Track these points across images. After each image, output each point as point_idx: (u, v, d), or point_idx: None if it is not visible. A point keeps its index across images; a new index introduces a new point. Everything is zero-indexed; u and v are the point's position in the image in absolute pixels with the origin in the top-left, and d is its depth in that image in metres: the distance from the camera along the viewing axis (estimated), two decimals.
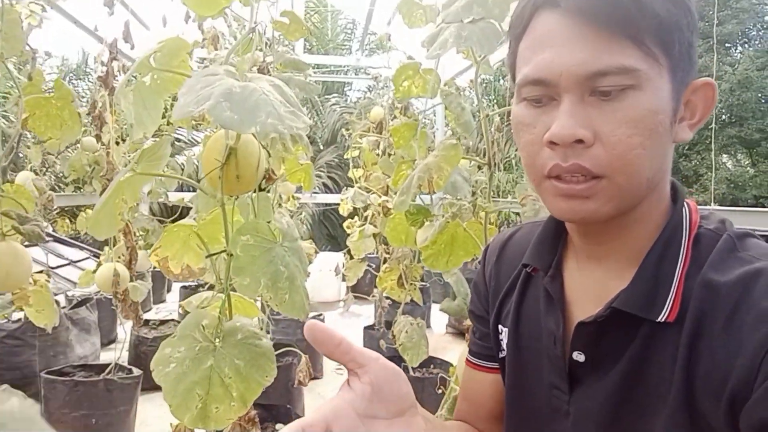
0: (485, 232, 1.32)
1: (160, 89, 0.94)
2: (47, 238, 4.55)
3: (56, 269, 4.22)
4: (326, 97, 10.57)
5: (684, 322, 0.54)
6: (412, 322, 2.14)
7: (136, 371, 2.51)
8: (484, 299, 0.80)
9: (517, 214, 1.22)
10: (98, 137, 2.14)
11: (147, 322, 3.59)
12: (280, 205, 2.29)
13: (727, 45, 14.13)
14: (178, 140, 8.31)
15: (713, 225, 0.60)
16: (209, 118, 0.76)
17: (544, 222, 0.72)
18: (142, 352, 3.22)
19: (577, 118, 0.54)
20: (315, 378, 2.85)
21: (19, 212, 1.22)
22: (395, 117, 3.29)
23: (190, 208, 2.10)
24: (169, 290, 5.73)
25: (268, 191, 1.28)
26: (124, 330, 2.81)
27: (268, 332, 2.25)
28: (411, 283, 2.44)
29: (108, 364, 2.52)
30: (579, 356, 0.61)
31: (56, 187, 5.94)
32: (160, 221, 3.16)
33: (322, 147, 9.96)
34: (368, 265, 3.44)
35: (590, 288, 0.65)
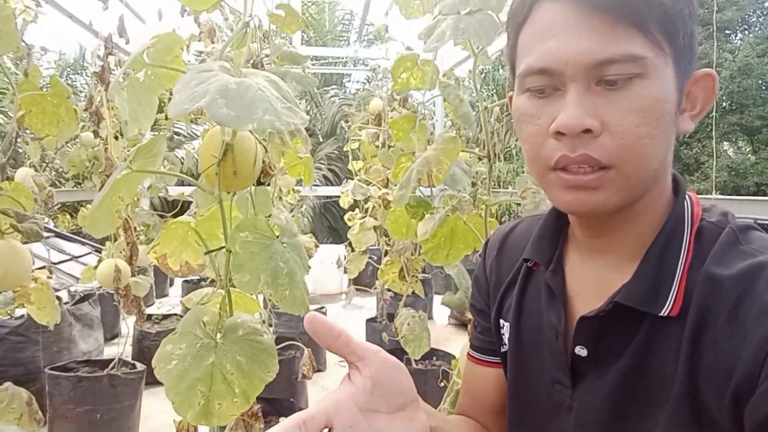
0: (485, 225, 1.32)
1: (154, 85, 0.93)
2: (49, 234, 4.55)
3: (58, 265, 4.23)
4: (325, 88, 10.54)
5: (687, 316, 0.54)
6: (414, 314, 2.14)
7: (140, 366, 2.52)
8: (485, 293, 0.80)
9: (518, 204, 1.21)
10: (96, 133, 2.13)
11: (150, 316, 3.61)
12: (280, 198, 2.29)
13: (727, 32, 14.05)
14: (178, 134, 8.30)
15: (715, 218, 0.59)
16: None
17: (545, 215, 0.72)
18: (145, 347, 3.23)
19: (585, 107, 0.53)
20: (318, 371, 2.85)
21: (17, 210, 1.21)
22: (394, 109, 3.27)
23: (191, 202, 2.10)
24: (171, 284, 5.74)
25: (268, 184, 1.27)
26: (127, 325, 2.82)
27: (270, 326, 2.26)
28: (412, 276, 2.44)
29: (112, 360, 2.52)
30: (581, 351, 0.61)
31: (56, 183, 5.94)
32: (160, 216, 3.16)
33: (321, 139, 9.93)
34: (370, 258, 3.44)
35: (592, 282, 0.64)
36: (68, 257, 4.48)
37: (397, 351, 2.74)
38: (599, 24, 0.52)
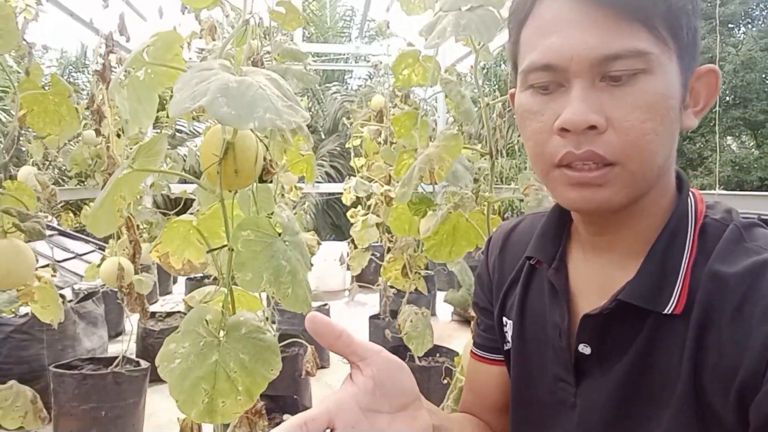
0: (488, 222, 1.31)
1: (154, 83, 0.93)
2: (52, 232, 4.56)
3: (62, 263, 4.24)
4: (327, 85, 10.53)
5: (691, 314, 0.54)
6: (417, 311, 2.14)
7: (144, 363, 2.52)
8: (488, 291, 0.79)
9: (521, 200, 1.21)
10: (98, 131, 2.14)
11: (153, 314, 3.62)
12: (282, 195, 2.29)
13: (730, 25, 13.97)
14: (180, 131, 8.30)
15: (719, 215, 0.59)
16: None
17: (548, 213, 0.71)
18: (149, 344, 3.24)
19: (589, 103, 0.52)
20: (322, 367, 2.86)
21: (19, 209, 1.22)
22: (396, 105, 3.27)
23: (194, 199, 2.10)
24: (175, 282, 5.75)
25: (270, 181, 1.27)
26: (131, 323, 2.82)
27: (273, 323, 2.26)
28: (415, 273, 2.44)
29: (116, 357, 2.53)
30: (585, 349, 0.61)
31: (59, 181, 5.95)
32: (163, 213, 3.16)
33: (323, 136, 9.93)
34: (372, 254, 3.44)
35: (595, 279, 0.64)
36: (72, 255, 4.49)
37: (400, 348, 2.75)
38: (603, 19, 0.52)
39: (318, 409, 0.46)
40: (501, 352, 0.77)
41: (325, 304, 3.70)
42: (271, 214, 0.96)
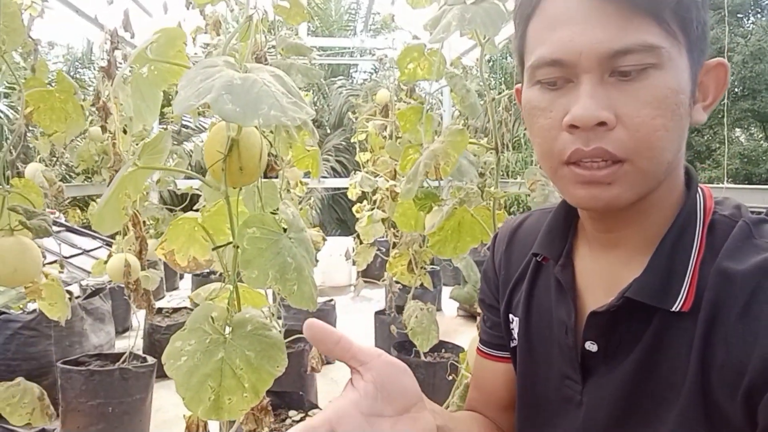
0: (493, 218, 1.31)
1: (158, 80, 0.92)
2: (59, 228, 4.59)
3: (69, 259, 4.26)
4: (332, 79, 10.51)
5: (699, 311, 0.53)
6: (422, 306, 2.14)
7: (151, 359, 2.54)
8: (494, 288, 0.79)
9: (528, 195, 1.20)
10: (104, 128, 2.14)
11: (160, 310, 3.64)
12: (287, 191, 2.29)
13: (738, 15, 13.81)
14: (186, 127, 8.32)
15: (728, 211, 0.58)
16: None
17: (555, 209, 0.71)
18: (156, 340, 3.26)
19: (599, 99, 0.52)
20: (327, 363, 2.86)
21: (26, 207, 1.22)
22: (401, 99, 3.25)
23: (200, 195, 2.10)
24: (181, 277, 5.78)
25: (276, 177, 1.27)
26: (138, 319, 2.84)
27: (279, 318, 2.27)
28: (421, 268, 2.44)
29: (123, 353, 2.55)
30: (591, 346, 0.60)
31: (67, 177, 5.98)
32: (169, 209, 3.17)
33: (329, 130, 9.92)
34: (378, 250, 3.44)
35: (602, 276, 0.63)
36: (79, 251, 4.52)
37: (406, 343, 2.75)
38: (613, 12, 0.51)
39: (319, 418, 0.45)
40: (507, 349, 0.77)
41: (331, 300, 3.70)
42: (277, 210, 0.96)
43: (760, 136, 13.91)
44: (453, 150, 1.20)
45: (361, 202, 3.54)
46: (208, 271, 4.48)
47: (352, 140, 3.97)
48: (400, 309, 3.17)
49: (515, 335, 0.73)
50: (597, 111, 0.51)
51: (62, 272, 2.92)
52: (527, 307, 0.71)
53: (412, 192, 1.25)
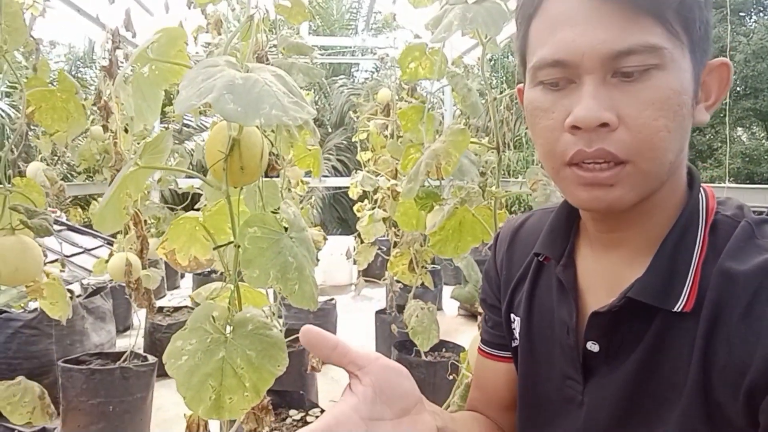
0: (495, 217, 1.30)
1: (159, 80, 0.92)
2: (61, 227, 4.60)
3: (71, 258, 4.27)
4: (333, 78, 10.50)
5: (701, 312, 0.53)
6: (423, 306, 2.14)
7: (152, 358, 2.54)
8: (496, 287, 0.79)
9: (529, 194, 1.20)
10: (105, 127, 2.14)
11: (161, 309, 3.64)
12: (288, 190, 2.29)
13: (741, 14, 13.77)
14: (187, 126, 8.32)
15: (731, 211, 0.58)
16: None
17: (556, 208, 0.71)
18: (157, 339, 3.26)
19: (601, 100, 0.51)
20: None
21: (27, 206, 1.22)
22: (402, 98, 3.25)
23: (201, 194, 2.10)
24: (182, 277, 5.79)
25: (277, 176, 1.27)
26: (139, 317, 2.84)
27: (280, 317, 2.27)
28: (422, 267, 2.44)
29: (124, 352, 2.55)
30: (593, 346, 0.60)
31: (68, 176, 5.99)
32: (171, 208, 3.18)
33: (330, 130, 9.92)
34: (379, 249, 3.44)
35: (604, 277, 0.63)
36: (80, 250, 4.53)
37: (407, 343, 2.75)
38: (615, 13, 0.51)
39: (318, 424, 0.45)
40: (509, 349, 0.77)
41: (332, 299, 3.70)
42: (278, 209, 0.96)
43: (762, 135, 13.88)
44: (454, 149, 1.19)
45: (362, 201, 3.54)
46: (209, 270, 4.48)
47: (353, 139, 3.97)
48: (400, 308, 3.17)
49: (517, 335, 0.73)
50: (599, 112, 0.51)
51: (63, 271, 2.92)
52: (529, 306, 0.71)
53: (413, 191, 1.25)
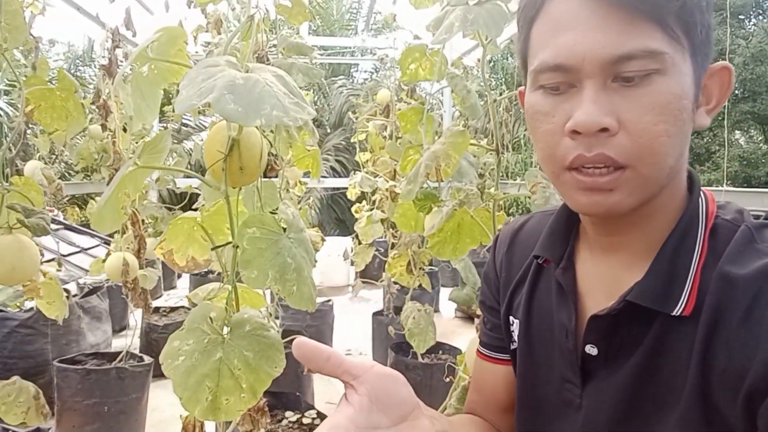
0: (493, 219, 1.30)
1: (158, 79, 0.92)
2: (58, 226, 4.58)
3: (67, 257, 4.26)
4: (333, 79, 10.50)
5: (700, 316, 0.53)
6: (420, 308, 2.13)
7: (148, 359, 2.53)
8: (495, 290, 0.79)
9: (528, 197, 1.20)
10: (104, 126, 2.14)
11: (158, 309, 3.63)
12: (287, 191, 2.29)
13: (740, 17, 13.80)
14: (186, 125, 8.31)
15: (730, 215, 0.58)
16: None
17: (556, 211, 0.71)
18: (153, 340, 3.25)
19: (601, 105, 0.51)
20: None
21: (24, 205, 1.22)
22: (401, 99, 3.25)
23: (199, 194, 2.10)
24: (179, 277, 5.78)
25: (275, 176, 1.26)
26: (135, 318, 2.83)
27: (277, 318, 2.26)
28: (420, 269, 2.43)
29: (119, 352, 2.54)
30: (592, 350, 0.60)
31: (66, 175, 5.97)
32: (169, 208, 3.17)
33: (329, 130, 9.92)
34: (376, 250, 3.44)
35: (603, 280, 0.63)
36: (77, 249, 4.51)
37: (404, 344, 2.75)
38: (617, 18, 0.51)
39: None
40: (507, 352, 0.76)
41: (329, 300, 3.70)
42: (276, 210, 0.95)
43: (760, 138, 13.92)
44: (454, 151, 1.19)
45: (360, 203, 3.54)
46: (206, 270, 4.47)
47: (352, 140, 3.97)
48: (398, 310, 3.17)
49: (515, 337, 0.73)
50: (599, 117, 0.51)
51: (60, 270, 2.91)
52: (528, 309, 0.71)
53: (412, 193, 1.25)
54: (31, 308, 2.71)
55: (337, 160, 9.43)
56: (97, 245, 4.74)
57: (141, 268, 2.19)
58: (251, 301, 1.15)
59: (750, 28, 13.90)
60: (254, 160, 0.87)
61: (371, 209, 3.25)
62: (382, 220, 3.14)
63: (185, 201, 3.26)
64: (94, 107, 2.21)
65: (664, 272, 0.56)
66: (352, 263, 3.51)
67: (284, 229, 0.91)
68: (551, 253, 0.68)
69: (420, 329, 2.07)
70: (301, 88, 0.86)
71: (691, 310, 0.54)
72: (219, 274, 1.30)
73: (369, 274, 4.33)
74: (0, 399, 1.45)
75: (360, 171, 3.42)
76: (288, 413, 2.09)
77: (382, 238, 3.33)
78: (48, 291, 1.47)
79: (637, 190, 0.54)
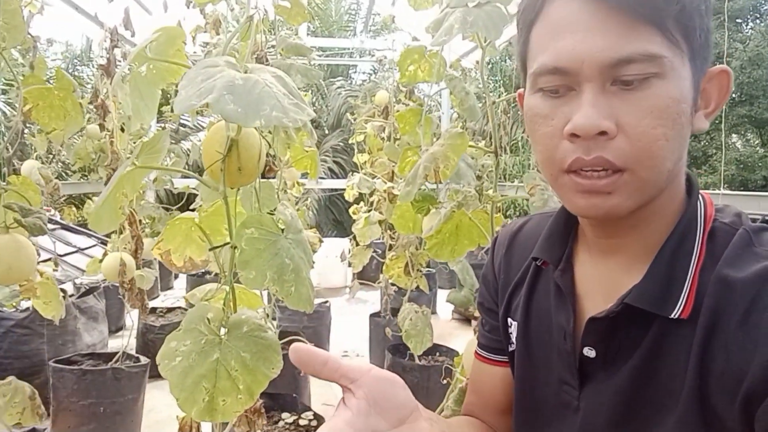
0: (491, 221, 1.30)
1: (156, 79, 0.92)
2: (54, 226, 4.57)
3: (64, 257, 4.24)
4: (331, 80, 10.51)
5: (698, 319, 0.53)
6: (417, 309, 2.13)
7: (144, 359, 2.52)
8: (494, 291, 0.79)
9: (526, 199, 1.20)
10: (102, 126, 2.13)
11: (154, 309, 3.62)
12: (285, 191, 2.28)
13: (737, 21, 13.85)
14: (183, 125, 8.31)
15: (728, 219, 0.58)
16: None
17: (555, 213, 0.71)
18: (149, 340, 3.24)
19: (600, 108, 0.52)
20: None
21: (21, 204, 1.21)
22: (400, 101, 3.25)
23: (197, 194, 2.10)
24: (176, 277, 5.77)
25: (273, 177, 1.26)
26: (132, 318, 2.82)
27: (274, 319, 2.26)
28: (417, 270, 2.43)
29: (116, 353, 2.53)
30: (590, 352, 0.60)
31: (63, 175, 5.96)
32: (166, 209, 3.16)
33: (327, 131, 9.92)
34: (374, 252, 3.43)
35: (602, 282, 0.63)
36: (74, 249, 4.50)
37: (401, 346, 2.75)
38: (617, 21, 0.51)
39: None
40: (505, 354, 0.76)
41: (326, 301, 3.69)
42: (274, 210, 0.95)
43: (757, 142, 13.97)
44: (453, 153, 1.19)
45: (358, 204, 3.54)
46: (203, 271, 4.46)
47: (350, 141, 3.97)
48: (395, 311, 3.17)
49: (513, 339, 0.73)
50: (598, 120, 0.51)
51: (56, 270, 2.90)
52: (526, 311, 0.71)
53: (411, 194, 1.25)
54: (28, 308, 2.70)
55: (335, 162, 9.43)
56: (94, 245, 4.73)
57: (138, 268, 2.18)
58: (248, 302, 1.15)
59: (747, 32, 13.95)
60: (253, 160, 0.87)
61: (369, 210, 3.25)
62: (380, 222, 3.14)
63: (182, 201, 3.25)
64: (92, 107, 2.21)
65: (663, 275, 0.56)
66: (350, 264, 3.50)
67: (282, 230, 0.91)
68: (550, 255, 0.68)
69: (417, 331, 2.07)
70: (299, 89, 0.86)
71: (689, 313, 0.54)
72: (216, 274, 1.29)
73: (366, 276, 4.33)
74: None
75: (358, 172, 3.42)
76: (284, 415, 2.09)
77: (379, 239, 3.33)
78: (44, 291, 1.47)
79: (636, 193, 0.54)
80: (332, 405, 2.79)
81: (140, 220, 2.25)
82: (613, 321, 0.57)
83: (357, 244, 3.35)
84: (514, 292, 0.74)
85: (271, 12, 1.48)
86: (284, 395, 2.17)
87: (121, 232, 2.24)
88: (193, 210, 1.18)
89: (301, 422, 2.04)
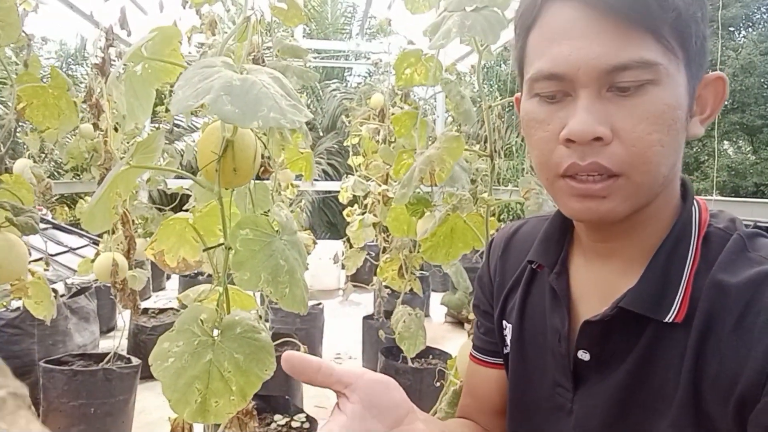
0: (486, 224, 1.30)
1: (152, 79, 0.91)
2: (46, 226, 4.54)
3: (55, 257, 4.21)
4: (326, 82, 10.50)
5: (692, 323, 0.53)
6: (410, 312, 2.13)
7: (135, 360, 2.50)
8: (489, 294, 0.79)
9: (520, 203, 1.21)
10: (96, 125, 2.12)
11: (146, 310, 3.60)
12: (279, 193, 2.28)
13: (730, 29, 13.98)
14: (178, 126, 8.28)
15: (723, 224, 0.59)
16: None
17: (551, 217, 0.71)
18: (141, 341, 3.22)
19: (596, 114, 0.52)
20: None
21: (14, 203, 1.20)
22: (395, 104, 3.26)
23: (190, 195, 2.09)
24: (168, 278, 5.74)
25: (268, 178, 1.26)
26: (123, 319, 2.81)
27: (267, 321, 2.25)
28: (411, 273, 2.43)
29: (107, 353, 2.51)
30: (584, 355, 0.61)
31: (55, 174, 5.92)
32: (159, 209, 3.15)
33: (321, 133, 9.91)
34: (367, 254, 3.43)
35: (597, 286, 0.64)
36: (65, 249, 4.47)
37: (394, 349, 2.74)
38: (613, 28, 0.51)
39: None
40: (500, 356, 0.77)
41: (319, 303, 3.68)
42: (268, 212, 0.95)
43: (748, 149, 14.09)
44: (449, 156, 1.20)
45: (351, 206, 3.53)
46: (195, 272, 4.44)
47: (344, 143, 3.97)
48: (388, 314, 3.16)
49: (508, 342, 0.73)
50: (593, 126, 0.52)
51: (48, 270, 2.88)
52: (521, 314, 0.71)
53: (406, 197, 1.25)
54: (18, 308, 2.67)
55: (329, 164, 9.42)
56: (86, 245, 4.70)
57: (130, 268, 2.17)
58: (242, 303, 1.14)
59: (740, 40, 14.08)
60: (248, 161, 0.87)
61: (363, 213, 3.24)
62: (374, 224, 3.14)
63: (176, 202, 3.24)
64: (85, 106, 2.19)
65: (657, 279, 0.56)
66: (343, 267, 3.50)
67: (277, 231, 0.91)
68: (545, 258, 0.68)
69: (410, 333, 2.07)
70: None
71: (683, 317, 0.54)
72: (209, 275, 1.28)
73: (360, 278, 4.33)
74: None
75: (352, 174, 3.42)
76: (277, 417, 2.08)
77: (373, 241, 3.33)
78: (36, 291, 1.45)
79: (631, 198, 0.54)
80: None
81: (133, 221, 2.24)
82: (608, 324, 0.58)
83: (351, 246, 3.35)
84: (509, 295, 0.75)
85: (267, 13, 1.48)
86: (276, 397, 2.16)
87: (113, 232, 2.23)
88: (186, 211, 1.17)
89: (294, 424, 2.03)
